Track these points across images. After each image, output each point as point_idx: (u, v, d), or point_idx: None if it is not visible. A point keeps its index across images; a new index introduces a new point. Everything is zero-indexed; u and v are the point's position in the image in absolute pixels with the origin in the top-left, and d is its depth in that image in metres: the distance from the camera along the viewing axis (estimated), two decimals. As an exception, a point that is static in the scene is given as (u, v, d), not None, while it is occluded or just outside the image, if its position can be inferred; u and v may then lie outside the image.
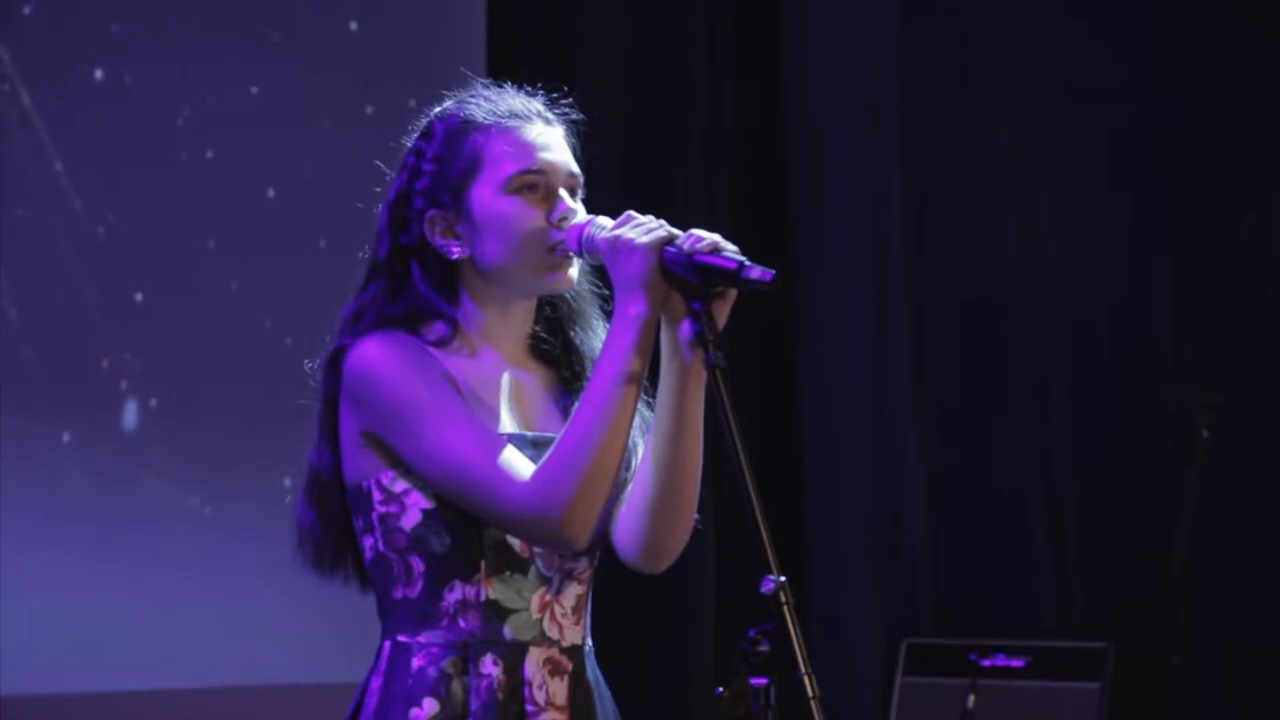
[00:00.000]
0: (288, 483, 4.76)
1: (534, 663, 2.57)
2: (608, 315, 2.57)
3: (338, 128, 5.52)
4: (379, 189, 2.70)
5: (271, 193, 5.48)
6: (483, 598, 2.55)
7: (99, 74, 5.29)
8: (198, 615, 5.22)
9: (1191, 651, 5.24)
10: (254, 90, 5.47)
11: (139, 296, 5.29)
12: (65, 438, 5.20)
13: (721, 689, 2.30)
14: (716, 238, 2.48)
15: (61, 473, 5.16)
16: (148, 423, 5.27)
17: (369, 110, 5.56)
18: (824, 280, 5.92)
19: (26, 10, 5.20)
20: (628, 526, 2.59)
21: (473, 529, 2.54)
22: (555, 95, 2.71)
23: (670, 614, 5.71)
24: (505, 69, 5.31)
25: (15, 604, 5.07)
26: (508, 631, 2.56)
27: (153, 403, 5.29)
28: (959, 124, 5.87)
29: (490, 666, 2.55)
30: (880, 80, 5.91)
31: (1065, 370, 5.71)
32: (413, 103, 5.13)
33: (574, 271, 2.63)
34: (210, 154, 5.39)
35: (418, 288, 2.61)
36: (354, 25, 5.64)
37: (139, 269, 5.29)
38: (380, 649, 2.59)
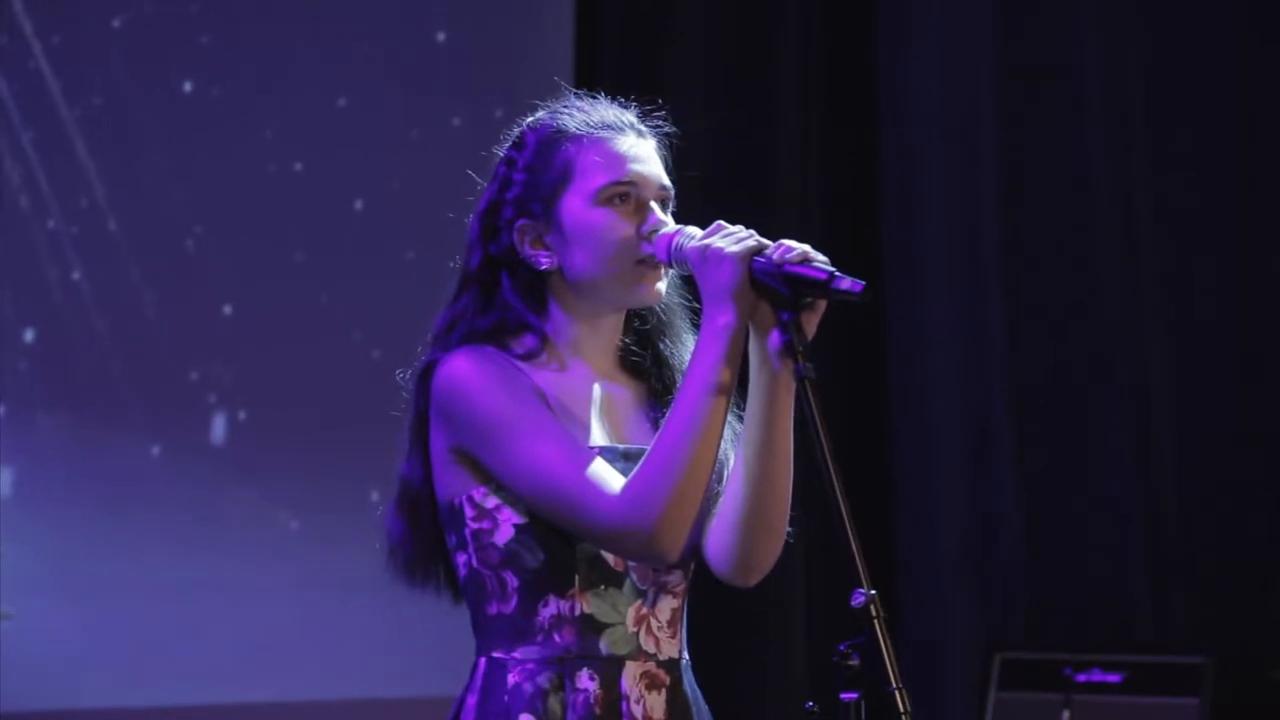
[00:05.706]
0: (375, 497, 4.77)
1: (630, 677, 2.56)
2: (697, 328, 2.55)
3: (425, 139, 5.54)
4: (469, 199, 2.69)
5: (359, 205, 5.50)
6: (578, 612, 2.54)
7: (188, 86, 5.31)
8: (286, 628, 5.24)
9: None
10: (341, 102, 5.49)
11: (228, 309, 5.32)
12: (155, 451, 5.22)
13: (812, 703, 2.28)
14: (806, 248, 2.45)
15: (151, 485, 5.19)
16: (236, 436, 5.29)
17: (456, 122, 5.57)
18: (916, 288, 5.87)
19: (116, 24, 5.23)
20: (719, 539, 2.58)
21: (566, 544, 2.53)
22: (648, 107, 2.70)
23: (761, 627, 5.67)
24: (593, 82, 5.30)
25: (105, 614, 5.10)
26: (604, 646, 2.55)
27: (241, 415, 5.31)
28: (1054, 127, 5.78)
29: (587, 681, 2.54)
30: (974, 85, 5.85)
31: (1166, 378, 5.60)
32: (500, 114, 5.19)
33: (662, 285, 2.61)
34: (298, 166, 5.41)
35: (507, 299, 2.60)
36: (441, 36, 5.65)
37: (228, 282, 5.32)
38: (475, 666, 2.58)
